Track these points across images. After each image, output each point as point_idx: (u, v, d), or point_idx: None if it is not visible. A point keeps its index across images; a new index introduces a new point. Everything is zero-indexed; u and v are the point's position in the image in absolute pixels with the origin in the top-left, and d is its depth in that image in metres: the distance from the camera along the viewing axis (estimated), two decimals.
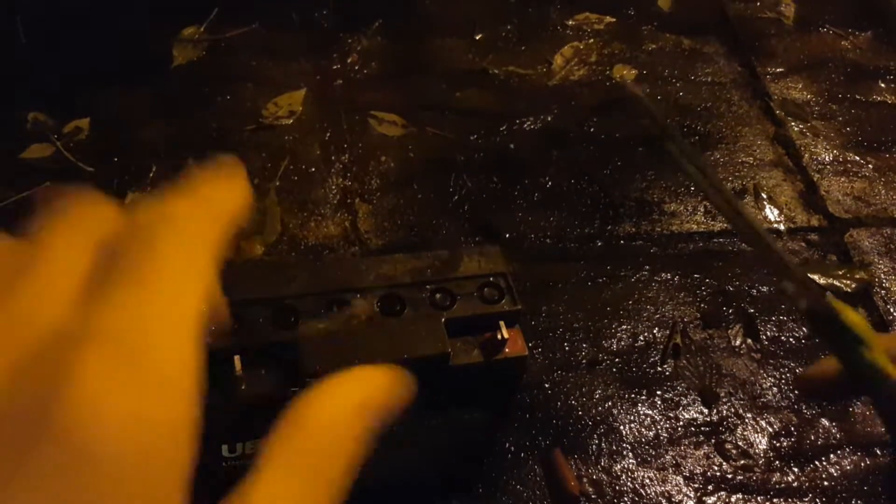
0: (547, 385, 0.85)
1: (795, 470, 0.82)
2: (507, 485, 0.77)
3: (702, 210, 1.05)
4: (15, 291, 0.17)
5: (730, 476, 0.80)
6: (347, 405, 0.20)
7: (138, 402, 0.16)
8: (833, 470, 0.82)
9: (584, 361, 0.87)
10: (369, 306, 0.52)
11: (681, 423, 0.84)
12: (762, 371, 0.89)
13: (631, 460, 0.80)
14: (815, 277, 0.99)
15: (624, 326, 0.91)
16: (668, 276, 0.97)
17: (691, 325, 0.92)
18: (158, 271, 0.18)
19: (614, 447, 0.81)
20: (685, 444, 0.82)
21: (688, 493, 0.79)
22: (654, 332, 0.91)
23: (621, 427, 0.83)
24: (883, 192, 1.12)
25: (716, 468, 0.81)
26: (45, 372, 0.15)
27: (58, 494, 0.14)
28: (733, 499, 0.79)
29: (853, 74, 1.30)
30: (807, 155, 1.15)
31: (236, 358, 0.48)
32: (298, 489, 0.18)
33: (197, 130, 1.06)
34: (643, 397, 0.85)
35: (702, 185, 0.35)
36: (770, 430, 0.84)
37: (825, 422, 0.86)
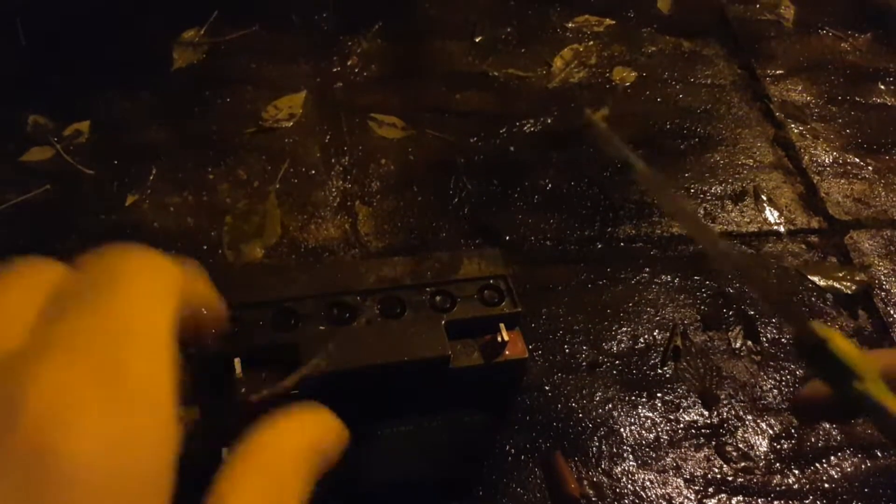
0: (547, 387, 0.85)
1: (796, 472, 0.82)
2: (507, 487, 0.77)
3: (701, 212, 1.05)
4: None
5: (730, 478, 0.80)
6: (299, 445, 0.20)
7: (111, 419, 0.15)
8: (833, 472, 0.82)
9: (584, 364, 0.87)
10: (370, 310, 0.52)
11: (681, 425, 0.84)
12: (762, 373, 0.89)
13: (631, 462, 0.80)
14: (816, 279, 0.99)
15: (624, 329, 0.91)
16: (668, 278, 0.97)
17: (691, 328, 0.92)
18: (127, 284, 0.17)
19: (615, 449, 0.81)
20: (686, 447, 0.82)
21: (688, 495, 0.79)
22: (655, 334, 0.91)
23: (622, 429, 0.83)
24: (883, 193, 1.12)
25: (716, 470, 0.81)
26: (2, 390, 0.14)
27: None
28: (734, 501, 0.79)
29: (853, 76, 1.30)
30: (807, 157, 1.15)
31: (237, 360, 0.48)
32: None
33: (197, 133, 1.06)
34: (643, 399, 0.85)
35: (672, 213, 0.34)
36: (770, 432, 0.84)
37: (825, 424, 0.86)
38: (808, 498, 0.80)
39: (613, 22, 1.32)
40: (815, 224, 1.06)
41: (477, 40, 1.26)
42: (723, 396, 0.86)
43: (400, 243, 0.96)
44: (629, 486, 0.79)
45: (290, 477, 0.19)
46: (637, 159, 0.35)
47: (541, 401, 0.84)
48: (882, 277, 1.01)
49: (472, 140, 1.10)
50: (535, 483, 0.78)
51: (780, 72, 1.29)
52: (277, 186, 1.00)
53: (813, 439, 0.84)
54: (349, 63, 1.19)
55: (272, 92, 1.12)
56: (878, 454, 0.84)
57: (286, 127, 1.08)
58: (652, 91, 1.22)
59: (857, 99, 1.26)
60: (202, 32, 1.20)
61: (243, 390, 0.48)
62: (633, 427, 0.83)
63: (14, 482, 0.13)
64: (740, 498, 0.79)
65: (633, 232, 1.02)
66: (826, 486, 0.81)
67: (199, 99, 1.10)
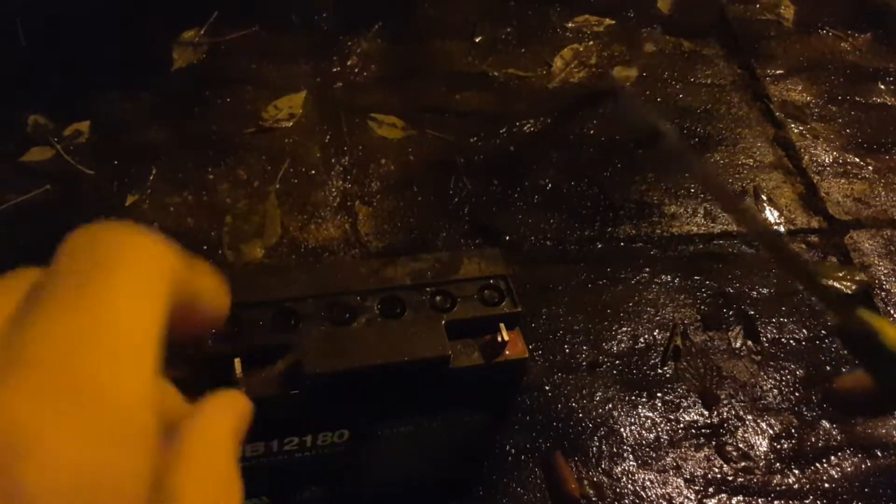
0: (547, 387, 0.85)
1: (796, 472, 0.82)
2: (507, 487, 0.77)
3: (702, 212, 1.05)
4: None
5: (730, 478, 0.80)
6: (228, 429, 0.19)
7: (80, 449, 0.13)
8: (834, 472, 0.82)
9: (584, 364, 0.87)
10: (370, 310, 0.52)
11: (681, 425, 0.84)
12: (762, 373, 0.89)
13: (631, 462, 0.80)
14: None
15: (624, 328, 0.91)
16: (669, 278, 0.97)
17: (691, 327, 0.92)
18: (107, 273, 0.15)
19: (615, 449, 0.81)
20: (686, 447, 0.82)
21: (688, 495, 0.79)
22: (655, 334, 0.91)
23: (622, 429, 0.83)
24: (883, 193, 1.12)
25: (716, 470, 0.81)
26: None
27: None
28: (734, 501, 0.79)
29: (853, 76, 1.30)
30: (807, 157, 1.15)
31: (236, 361, 0.48)
32: None
33: (197, 133, 1.06)
34: (643, 399, 0.85)
35: (701, 183, 0.33)
36: (771, 431, 0.84)
37: (826, 424, 0.86)
38: (808, 498, 0.80)
39: (613, 22, 1.32)
40: (815, 224, 1.06)
41: (477, 40, 1.26)
42: (723, 396, 0.86)
43: (400, 243, 0.96)
44: (629, 485, 0.79)
45: (229, 457, 0.18)
46: (666, 126, 0.34)
47: (541, 401, 0.84)
48: (882, 277, 1.01)
49: (472, 140, 1.10)
50: (535, 483, 0.78)
51: (780, 72, 1.29)
52: (277, 186, 1.00)
53: (813, 439, 0.84)
54: (349, 63, 1.19)
55: (272, 92, 1.12)
56: (879, 454, 0.84)
57: (286, 127, 1.08)
58: (652, 91, 1.22)
59: (857, 99, 1.26)
60: (202, 32, 1.20)
61: (243, 390, 0.48)
62: (633, 427, 0.83)
63: None
64: (740, 498, 0.79)
65: (633, 232, 1.02)
66: (826, 485, 0.81)
67: (199, 99, 1.10)
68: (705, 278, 0.97)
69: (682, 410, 0.85)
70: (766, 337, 0.92)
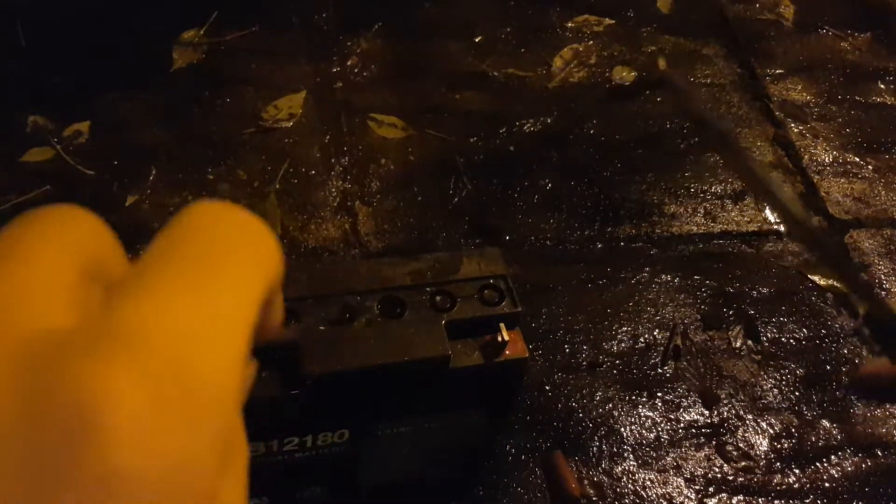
0: (547, 387, 0.85)
1: (797, 471, 0.82)
2: (507, 487, 0.77)
3: (701, 212, 1.05)
4: None
5: (731, 478, 0.80)
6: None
7: (179, 438, 0.12)
8: (834, 471, 0.82)
9: (584, 363, 0.87)
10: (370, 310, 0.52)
11: (681, 424, 0.84)
12: (763, 372, 0.89)
13: (632, 462, 0.80)
14: (816, 278, 0.99)
15: (624, 328, 0.91)
16: (669, 277, 0.97)
17: (692, 327, 0.92)
18: (217, 275, 0.14)
19: (615, 449, 0.81)
20: (686, 446, 0.82)
21: (689, 494, 0.79)
22: (655, 333, 0.91)
23: (622, 429, 0.83)
24: (883, 193, 1.12)
25: (717, 470, 0.81)
26: (45, 386, 0.11)
27: None
28: (734, 500, 0.79)
29: (853, 76, 1.30)
30: (806, 156, 1.15)
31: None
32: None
33: (197, 133, 1.06)
34: (644, 399, 0.85)
35: (744, 179, 0.33)
36: (771, 431, 0.84)
37: (826, 423, 0.86)
38: (808, 497, 0.80)
39: (613, 21, 1.32)
40: (815, 223, 1.06)
41: (477, 40, 1.26)
42: (723, 396, 0.86)
43: (400, 243, 0.96)
44: (630, 485, 0.79)
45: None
46: (714, 116, 0.34)
47: (541, 401, 0.84)
48: (882, 277, 1.01)
49: (472, 140, 1.10)
50: (536, 483, 0.78)
51: (780, 71, 1.28)
52: (277, 186, 1.00)
53: (813, 439, 0.84)
54: (349, 63, 1.19)
55: (272, 92, 1.12)
56: (879, 454, 0.84)
57: (286, 127, 1.08)
58: (652, 91, 1.22)
59: (857, 98, 1.26)
60: (202, 32, 1.20)
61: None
62: (633, 426, 0.83)
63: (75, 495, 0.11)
64: (741, 497, 0.79)
65: (633, 232, 1.02)
66: (826, 485, 0.81)
67: (199, 99, 1.10)
68: (705, 278, 0.97)
69: (682, 410, 0.85)
70: (766, 337, 0.92)
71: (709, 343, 0.91)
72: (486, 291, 0.56)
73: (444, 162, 1.06)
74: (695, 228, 1.03)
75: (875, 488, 0.81)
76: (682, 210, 1.05)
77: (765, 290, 0.97)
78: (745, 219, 1.05)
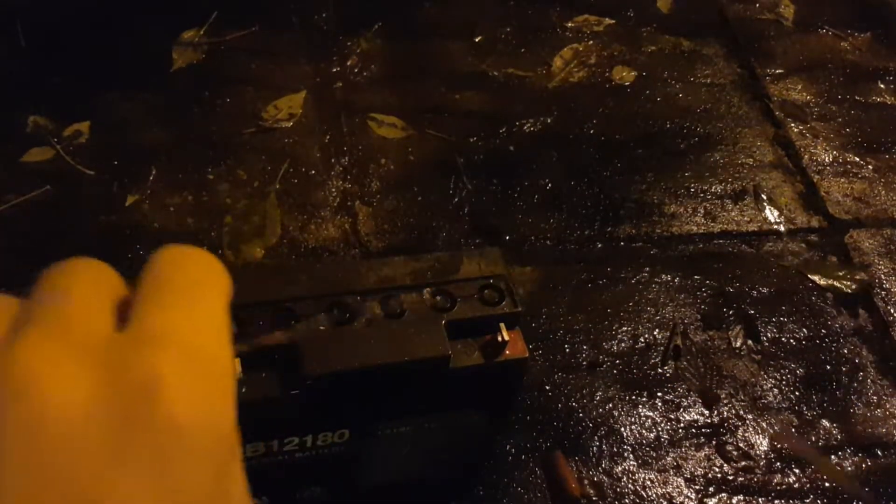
0: (547, 387, 0.85)
1: (796, 471, 0.82)
2: (507, 487, 0.77)
3: (701, 212, 1.05)
4: (58, 306, 0.19)
5: (731, 477, 0.80)
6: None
7: (205, 398, 0.18)
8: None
9: (584, 363, 0.87)
10: (370, 310, 0.52)
11: (682, 424, 0.84)
12: (763, 372, 0.89)
13: (632, 462, 0.80)
14: (816, 278, 0.99)
15: (624, 328, 0.91)
16: (669, 277, 0.97)
17: (692, 327, 0.92)
18: (205, 295, 0.21)
19: (615, 449, 0.81)
20: (686, 446, 0.82)
21: (689, 494, 0.79)
22: (655, 333, 0.91)
23: (622, 429, 0.83)
24: (883, 192, 1.12)
25: (717, 470, 0.81)
26: (130, 376, 0.17)
27: (159, 475, 0.17)
28: (734, 500, 0.79)
29: (852, 75, 1.30)
30: (806, 156, 1.15)
31: (237, 361, 0.48)
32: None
33: (197, 133, 1.06)
34: (644, 399, 0.85)
35: None
36: (771, 431, 0.84)
37: (826, 423, 0.86)
38: (808, 497, 0.80)
39: (613, 21, 1.32)
40: (815, 223, 1.06)
41: (477, 40, 1.26)
42: (723, 396, 0.86)
43: (400, 243, 0.96)
44: (630, 485, 0.79)
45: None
46: None
47: (541, 400, 0.84)
48: (882, 276, 1.01)
49: (472, 139, 1.10)
50: (536, 483, 0.78)
51: (780, 71, 1.29)
52: (277, 186, 1.00)
53: (813, 438, 0.84)
54: (349, 63, 1.19)
55: (272, 92, 1.12)
56: (879, 454, 0.84)
57: (286, 127, 1.08)
58: (652, 91, 1.22)
59: (857, 98, 1.26)
60: (202, 33, 1.20)
61: (243, 390, 0.48)
62: (633, 426, 0.83)
63: (149, 458, 0.17)
64: (741, 497, 0.79)
65: (633, 231, 1.02)
66: (826, 485, 0.81)
67: (199, 99, 1.10)
68: (705, 278, 0.97)
69: (682, 410, 0.85)
70: (766, 336, 0.92)
71: (709, 343, 0.91)
72: (485, 291, 0.56)
73: (444, 162, 1.06)
74: (695, 228, 1.03)
75: (875, 488, 0.81)
76: (682, 210, 1.05)
77: (765, 290, 0.97)
78: (745, 219, 1.05)
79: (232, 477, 0.19)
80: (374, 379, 0.51)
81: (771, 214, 1.06)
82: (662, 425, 0.83)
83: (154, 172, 1.00)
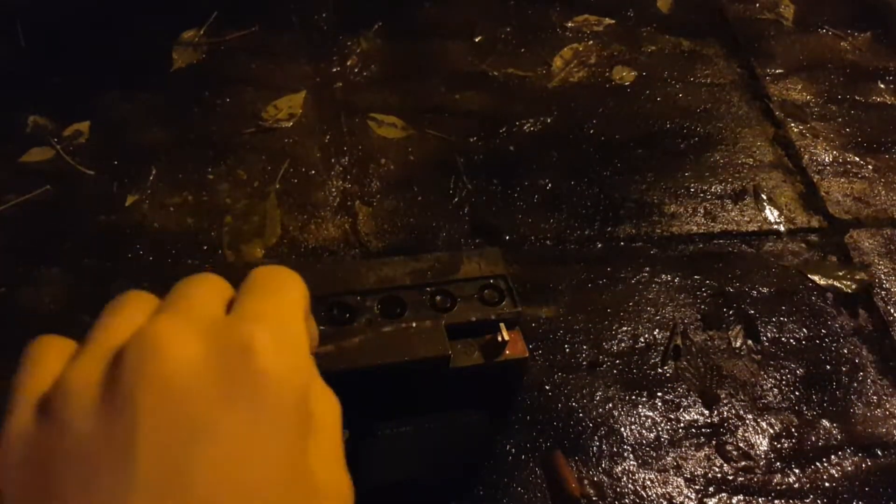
0: (547, 387, 0.85)
1: (796, 471, 0.82)
2: (507, 486, 0.77)
3: (701, 212, 1.05)
4: (190, 293, 0.26)
5: (731, 477, 0.80)
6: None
7: (293, 357, 0.25)
8: (834, 471, 0.82)
9: (584, 363, 0.87)
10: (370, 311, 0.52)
11: (681, 424, 0.84)
12: (763, 372, 0.89)
13: (632, 462, 0.80)
14: (816, 278, 0.99)
15: (624, 328, 0.91)
16: (669, 277, 0.97)
17: (692, 327, 0.92)
18: (286, 299, 0.27)
19: (615, 449, 0.81)
20: (686, 446, 0.82)
21: (689, 494, 0.79)
22: (655, 333, 0.91)
23: (622, 429, 0.83)
24: (883, 192, 1.12)
25: (717, 469, 0.81)
26: (234, 342, 0.23)
27: (253, 411, 0.22)
28: (734, 500, 0.79)
29: (852, 75, 1.30)
30: (806, 156, 1.15)
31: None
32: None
33: (197, 133, 1.06)
34: (644, 399, 0.85)
35: None
36: (771, 431, 0.84)
37: (826, 423, 0.86)
38: (808, 497, 0.80)
39: (613, 21, 1.32)
40: (815, 223, 1.06)
41: (476, 40, 1.26)
42: (723, 396, 0.86)
43: (400, 243, 0.96)
44: (630, 485, 0.79)
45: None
46: None
47: (541, 400, 0.84)
48: (882, 276, 1.01)
49: (471, 139, 1.10)
50: (536, 483, 0.78)
51: (780, 71, 1.29)
52: (277, 186, 1.00)
53: (813, 438, 0.84)
54: (349, 63, 1.19)
55: (272, 92, 1.12)
56: (879, 453, 0.84)
57: (286, 127, 1.08)
58: (652, 91, 1.22)
59: (857, 98, 1.26)
60: (202, 33, 1.20)
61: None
62: (633, 426, 0.83)
63: (251, 408, 0.22)
64: (741, 497, 0.79)
65: (633, 231, 1.02)
66: (826, 485, 0.81)
67: (199, 99, 1.10)
68: (705, 278, 0.97)
69: (682, 410, 0.85)
70: (766, 336, 0.92)
71: (709, 343, 0.91)
72: (485, 291, 0.56)
73: (444, 162, 1.06)
74: (695, 228, 1.03)
75: (875, 488, 0.81)
76: (681, 210, 1.05)
77: (765, 290, 0.97)
78: (745, 218, 1.05)
79: (313, 431, 0.25)
80: (374, 379, 0.51)
81: (771, 214, 1.06)
82: (662, 425, 0.83)
83: (154, 172, 1.00)
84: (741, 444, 0.83)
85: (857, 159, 1.16)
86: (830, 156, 1.16)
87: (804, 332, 0.93)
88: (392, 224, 0.98)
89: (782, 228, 1.05)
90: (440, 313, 0.54)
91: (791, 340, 0.93)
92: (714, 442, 0.83)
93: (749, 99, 1.23)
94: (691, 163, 1.12)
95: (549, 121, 1.14)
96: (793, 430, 0.85)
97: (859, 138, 1.19)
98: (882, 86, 1.29)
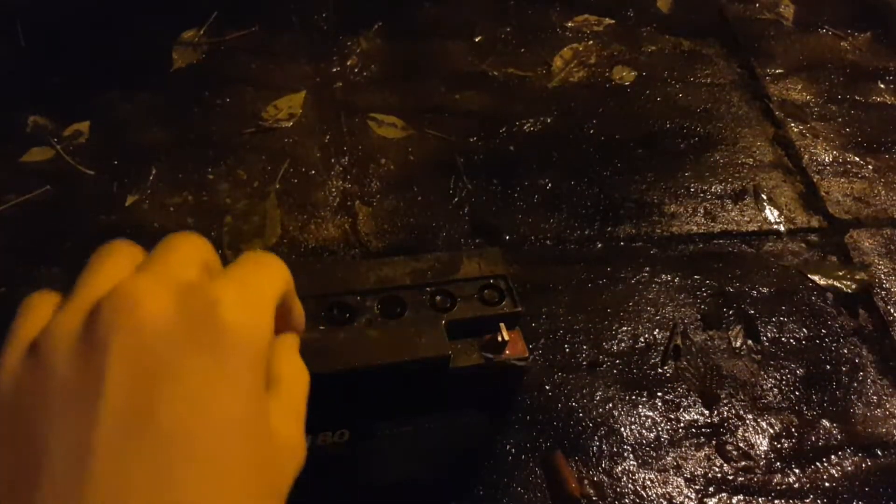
0: (547, 387, 0.85)
1: (797, 471, 0.82)
2: (507, 487, 0.77)
3: (701, 212, 1.05)
4: (163, 256, 0.28)
5: (731, 477, 0.80)
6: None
7: (256, 312, 0.27)
8: (834, 471, 0.82)
9: (584, 363, 0.87)
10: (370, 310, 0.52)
11: (681, 424, 0.84)
12: (763, 372, 0.89)
13: (632, 462, 0.80)
14: (816, 278, 0.99)
15: (624, 328, 0.91)
16: (669, 277, 0.97)
17: (692, 327, 0.92)
18: (261, 274, 0.29)
19: (615, 449, 0.81)
20: (686, 446, 0.82)
21: (689, 494, 0.79)
22: (655, 333, 0.91)
23: (622, 429, 0.83)
24: (883, 192, 1.12)
25: (717, 470, 0.81)
26: (201, 299, 0.25)
27: (214, 356, 0.25)
28: (734, 500, 0.79)
29: (852, 75, 1.30)
30: (806, 156, 1.15)
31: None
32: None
33: (197, 133, 1.06)
34: (644, 399, 0.85)
35: None
36: (771, 431, 0.84)
37: (826, 423, 0.86)
38: (808, 497, 0.80)
39: (613, 21, 1.32)
40: (815, 223, 1.06)
41: (476, 40, 1.26)
42: (723, 396, 0.86)
43: (400, 243, 0.96)
44: (630, 485, 0.79)
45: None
46: None
47: (541, 400, 0.84)
48: (882, 276, 1.01)
49: (471, 139, 1.10)
50: (536, 483, 0.78)
51: (780, 71, 1.29)
52: (277, 186, 1.00)
53: (813, 438, 0.84)
54: (349, 63, 1.19)
55: (272, 92, 1.12)
56: (879, 453, 0.84)
57: (286, 127, 1.08)
58: (652, 91, 1.22)
59: (857, 98, 1.26)
60: (202, 33, 1.20)
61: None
62: (633, 426, 0.83)
63: (214, 360, 0.24)
64: (741, 497, 0.79)
65: (633, 231, 1.02)
66: (826, 485, 0.81)
67: (199, 99, 1.10)
68: (705, 278, 0.97)
69: (682, 410, 0.85)
70: (766, 336, 0.92)
71: (709, 343, 0.91)
72: (485, 291, 0.56)
73: (444, 162, 1.06)
74: (695, 228, 1.03)
75: (875, 488, 0.81)
76: (681, 210, 1.05)
77: (765, 290, 0.97)
78: (745, 218, 1.05)
79: (266, 382, 0.27)
80: (374, 379, 0.51)
81: (771, 214, 1.06)
82: (662, 425, 0.83)
83: (154, 172, 1.00)
84: (741, 444, 0.83)
85: (857, 159, 1.16)
86: (830, 156, 1.16)
87: (804, 332, 0.93)
88: (392, 224, 0.98)
89: (782, 228, 1.05)
90: (440, 313, 0.54)
91: (791, 340, 0.93)
92: (714, 442, 0.83)
93: (749, 99, 1.23)
94: (691, 163, 1.12)
95: (549, 121, 1.14)
96: (793, 430, 0.85)
97: (859, 138, 1.19)
98: (882, 86, 1.29)
